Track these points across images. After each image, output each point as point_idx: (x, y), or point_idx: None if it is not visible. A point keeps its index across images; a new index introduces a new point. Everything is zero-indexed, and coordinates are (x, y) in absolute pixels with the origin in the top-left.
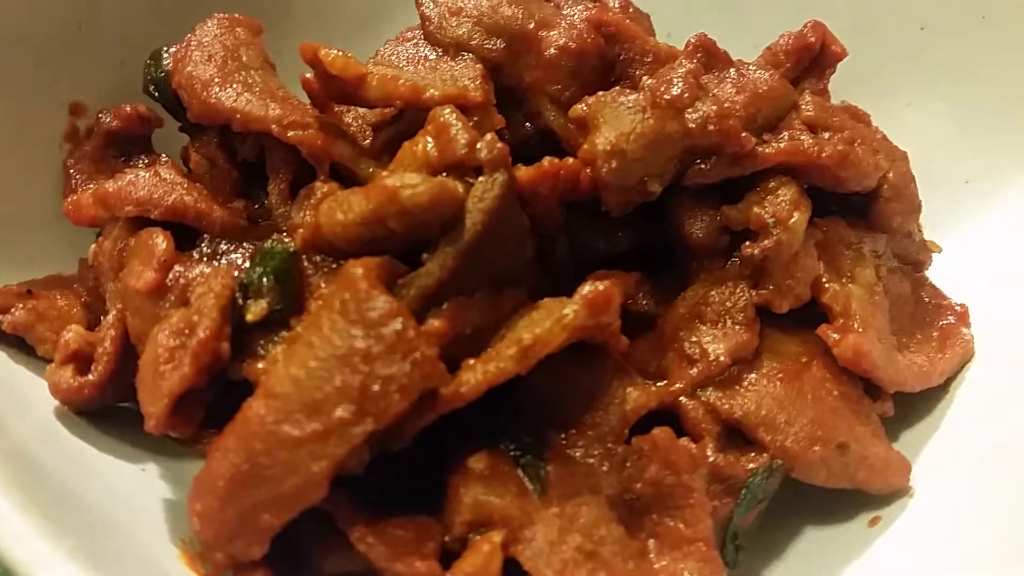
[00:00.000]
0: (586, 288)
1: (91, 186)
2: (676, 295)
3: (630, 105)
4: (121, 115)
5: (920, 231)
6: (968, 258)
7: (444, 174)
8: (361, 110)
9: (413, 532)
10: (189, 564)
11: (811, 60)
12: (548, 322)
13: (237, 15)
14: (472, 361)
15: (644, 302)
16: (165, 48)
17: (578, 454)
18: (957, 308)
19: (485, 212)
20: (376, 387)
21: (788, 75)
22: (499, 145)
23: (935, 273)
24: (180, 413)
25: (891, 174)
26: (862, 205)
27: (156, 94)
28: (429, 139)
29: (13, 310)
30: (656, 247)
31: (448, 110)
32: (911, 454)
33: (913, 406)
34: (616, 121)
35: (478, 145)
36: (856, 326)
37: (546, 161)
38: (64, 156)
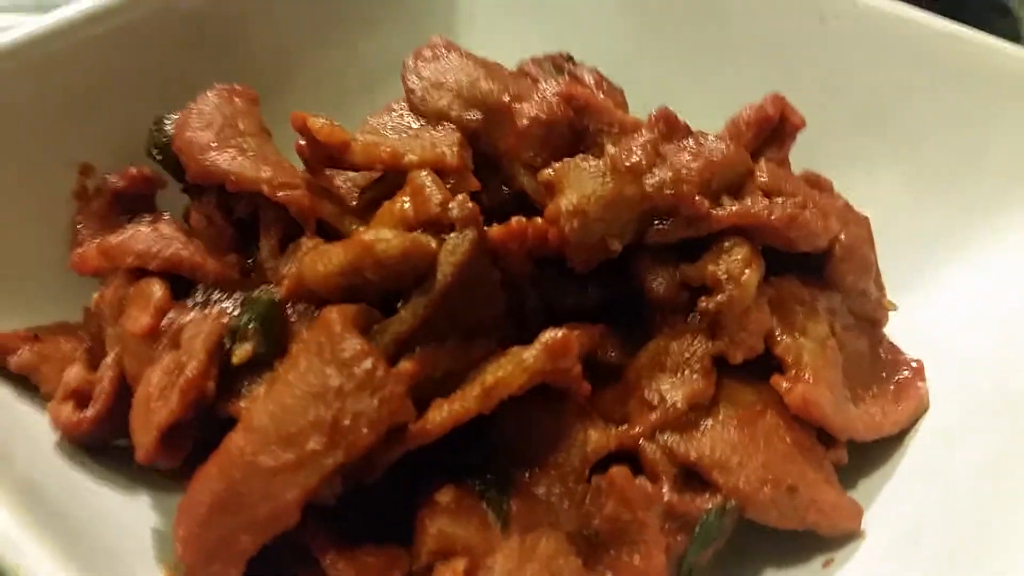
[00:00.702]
0: (547, 335)
1: (96, 240)
2: (641, 347)
3: (592, 170)
4: (127, 176)
5: (879, 290)
6: (928, 314)
7: (419, 231)
8: (351, 173)
9: (382, 559)
10: None
11: (771, 130)
12: (510, 365)
13: (236, 86)
14: (440, 401)
15: (611, 353)
16: (167, 115)
17: (540, 491)
18: (913, 364)
19: (455, 265)
20: (347, 421)
21: (749, 145)
22: (470, 205)
23: (898, 328)
24: (168, 445)
25: (843, 236)
26: (816, 265)
27: (159, 157)
28: (406, 199)
29: (19, 352)
30: (625, 302)
31: (424, 173)
32: (865, 500)
33: (869, 456)
34: (579, 184)
35: (450, 204)
36: (807, 376)
37: (514, 220)
38: (73, 213)
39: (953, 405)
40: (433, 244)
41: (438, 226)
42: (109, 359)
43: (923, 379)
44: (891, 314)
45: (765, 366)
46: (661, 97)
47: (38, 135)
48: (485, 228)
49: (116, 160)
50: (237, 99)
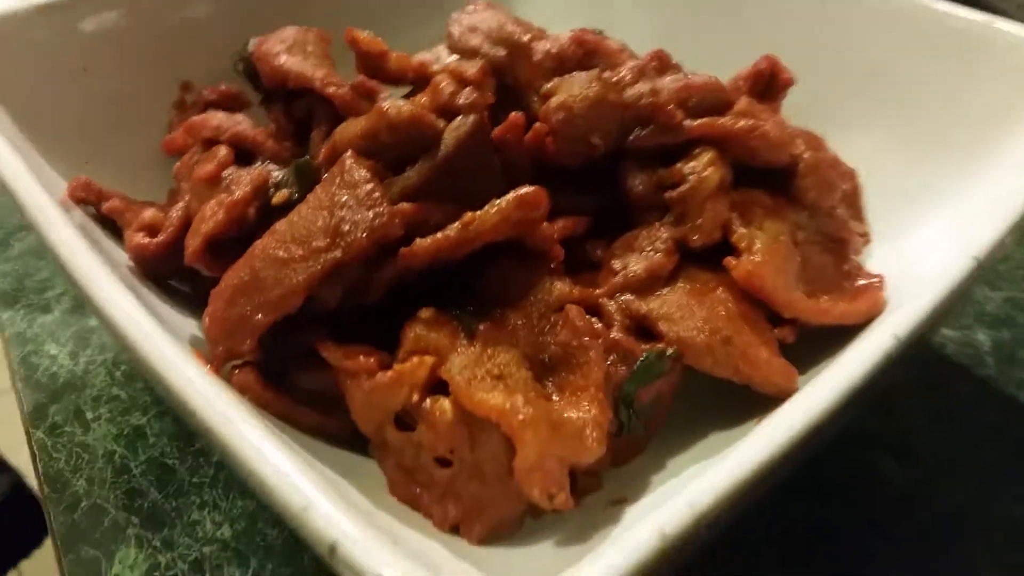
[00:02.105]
0: (521, 188)
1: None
2: None
3: (580, 79)
4: (217, 91)
5: (854, 219)
6: (904, 258)
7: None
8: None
9: (366, 349)
10: (199, 357)
11: (765, 85)
12: (487, 207)
13: (314, 28)
14: (428, 236)
15: (598, 251)
16: (252, 39)
17: (507, 321)
18: (875, 279)
19: (456, 139)
20: (346, 227)
21: (745, 94)
22: (475, 95)
23: (877, 268)
24: (211, 254)
25: (806, 155)
26: (785, 184)
27: (240, 67)
28: (425, 94)
29: (111, 199)
30: (620, 215)
31: (443, 75)
32: (808, 377)
33: (821, 345)
34: (568, 89)
35: (459, 94)
36: (756, 258)
37: (513, 114)
38: (170, 118)
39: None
40: (440, 124)
41: (448, 111)
42: (181, 203)
43: (883, 288)
44: (868, 257)
45: (723, 256)
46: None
47: (148, 55)
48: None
49: (213, 79)
50: (310, 34)
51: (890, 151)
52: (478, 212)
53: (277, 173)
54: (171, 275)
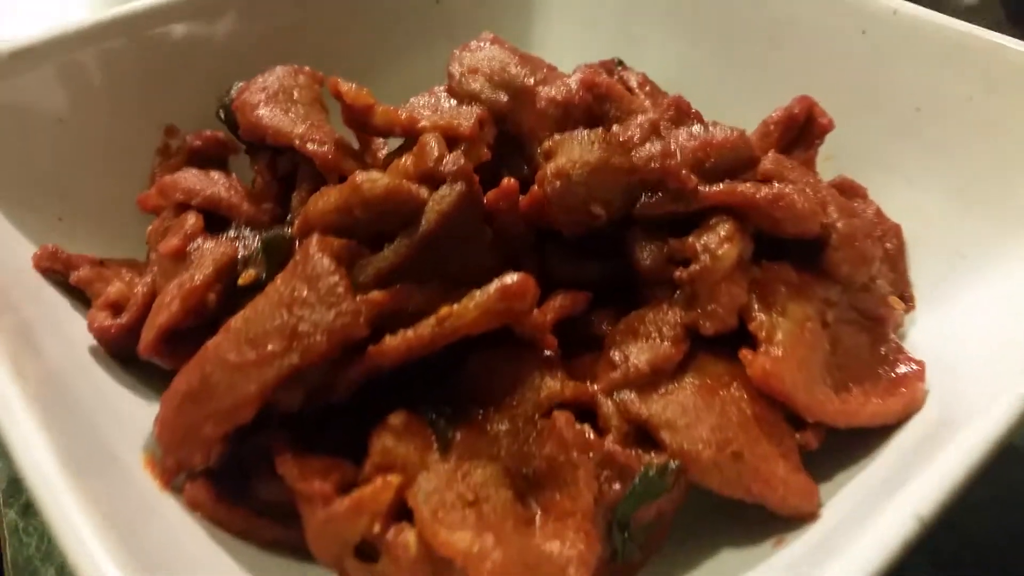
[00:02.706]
0: (505, 277)
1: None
2: None
3: (583, 140)
4: (203, 137)
5: (900, 291)
6: (950, 330)
7: (416, 183)
8: (394, 146)
9: (326, 464)
10: (149, 466)
11: (799, 131)
12: (467, 303)
13: (306, 67)
14: (401, 329)
15: (603, 326)
16: (236, 83)
17: (489, 427)
18: (914, 365)
19: (440, 213)
20: (304, 328)
21: (776, 143)
22: (462, 161)
23: (916, 340)
24: (168, 345)
25: (840, 224)
26: (815, 256)
27: (223, 117)
28: (411, 156)
29: (81, 268)
30: (624, 282)
31: (431, 135)
32: (836, 486)
33: (852, 447)
34: (568, 151)
35: (445, 159)
36: (775, 352)
37: (506, 180)
38: (153, 166)
39: (946, 413)
40: (424, 193)
41: (433, 179)
42: (147, 277)
43: (923, 380)
44: (911, 326)
45: (745, 345)
46: (707, 106)
47: (133, 99)
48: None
49: (199, 125)
50: (301, 76)
51: (939, 202)
52: (455, 306)
53: (249, 242)
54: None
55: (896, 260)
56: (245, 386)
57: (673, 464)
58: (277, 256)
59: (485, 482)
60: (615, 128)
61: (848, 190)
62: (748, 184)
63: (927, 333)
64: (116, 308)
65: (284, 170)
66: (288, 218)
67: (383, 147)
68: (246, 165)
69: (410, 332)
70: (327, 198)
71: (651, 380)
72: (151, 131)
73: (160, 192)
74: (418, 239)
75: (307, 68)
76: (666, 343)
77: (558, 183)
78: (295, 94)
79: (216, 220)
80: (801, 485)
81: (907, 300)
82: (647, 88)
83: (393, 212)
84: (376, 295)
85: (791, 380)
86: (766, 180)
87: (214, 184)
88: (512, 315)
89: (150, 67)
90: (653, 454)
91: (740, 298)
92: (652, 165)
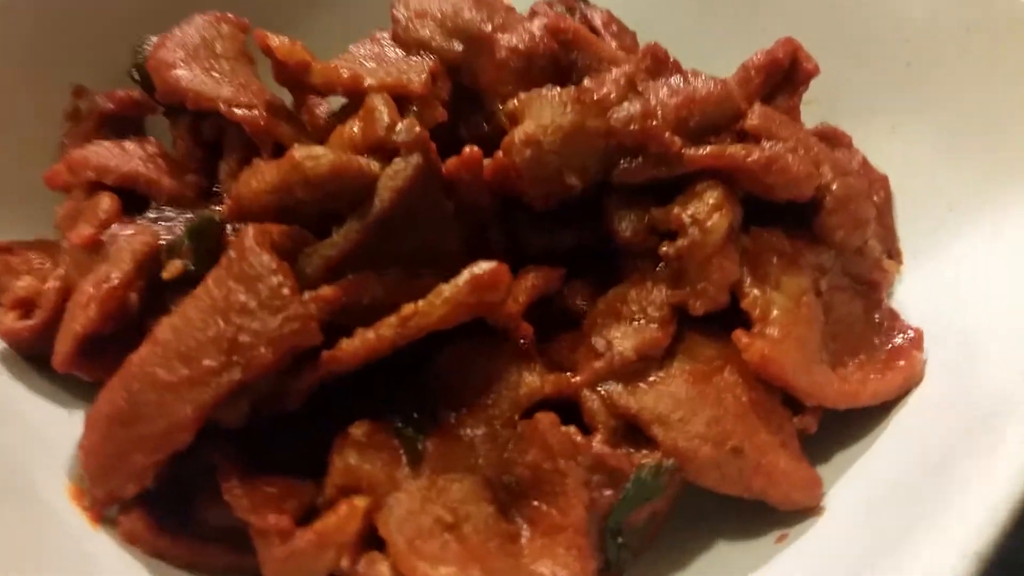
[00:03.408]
0: (475, 266)
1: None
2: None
3: (553, 99)
4: (115, 98)
5: (885, 251)
6: (939, 283)
7: (365, 155)
8: (334, 106)
9: (281, 490)
10: (75, 497)
11: (782, 76)
12: (432, 297)
13: (228, 14)
14: (360, 329)
15: (577, 301)
16: (149, 36)
17: (464, 433)
18: (911, 333)
19: (394, 191)
20: (245, 339)
21: (758, 91)
22: (417, 129)
23: (906, 295)
24: (87, 355)
25: (835, 186)
26: (807, 218)
27: (137, 77)
28: (357, 122)
29: None
30: (600, 248)
31: (378, 96)
32: (835, 472)
33: (850, 426)
34: (537, 114)
35: (397, 128)
36: (772, 332)
37: (467, 149)
38: (62, 134)
39: (946, 381)
40: (375, 167)
41: (383, 150)
42: (58, 270)
43: (920, 349)
44: (901, 279)
45: (735, 321)
46: (680, 50)
47: (34, 54)
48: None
49: (111, 84)
50: (224, 24)
51: (927, 151)
52: (420, 303)
53: (173, 225)
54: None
55: (883, 214)
56: (179, 408)
57: (667, 463)
58: (206, 243)
59: (464, 498)
60: (585, 83)
61: (832, 138)
62: (738, 146)
63: (915, 293)
64: (26, 306)
65: (209, 136)
66: (216, 191)
67: (321, 103)
68: (165, 125)
69: (370, 333)
70: (262, 176)
71: (638, 369)
72: (57, 93)
73: (69, 169)
74: (371, 221)
75: (230, 15)
76: (652, 326)
77: (528, 152)
78: (217, 47)
79: (135, 198)
80: (804, 477)
81: (894, 256)
82: (613, 28)
83: (340, 191)
84: (327, 291)
85: (791, 363)
86: (753, 137)
87: (130, 158)
88: (485, 308)
89: (50, 17)
90: (645, 452)
91: (733, 274)
92: (631, 128)
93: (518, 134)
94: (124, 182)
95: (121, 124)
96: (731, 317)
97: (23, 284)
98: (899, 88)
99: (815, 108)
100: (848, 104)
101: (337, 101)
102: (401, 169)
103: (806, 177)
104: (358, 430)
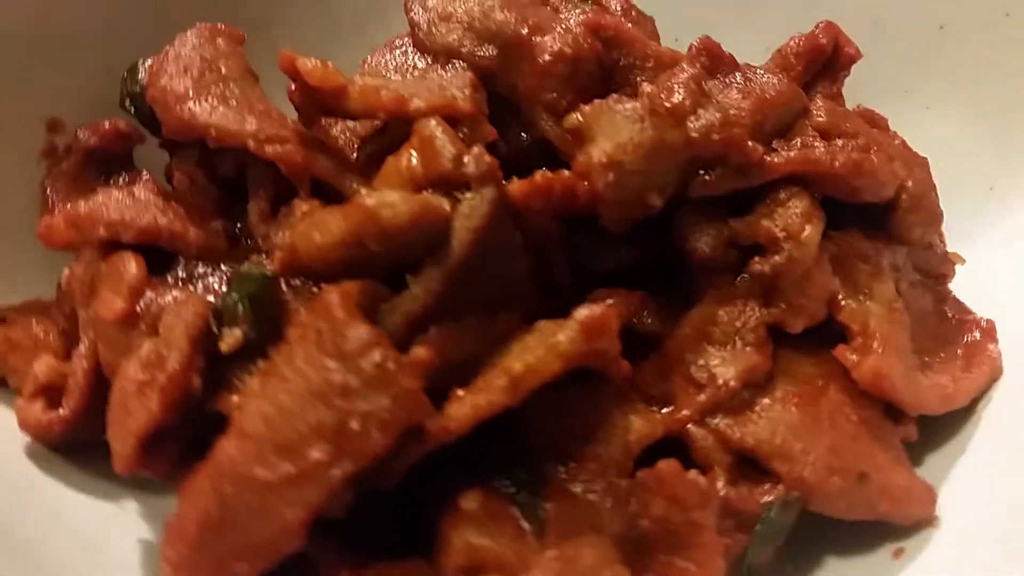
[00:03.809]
0: (582, 312)
1: (67, 206)
2: (683, 314)
3: (627, 114)
4: (99, 131)
5: (942, 242)
6: (993, 268)
7: (430, 190)
8: (351, 123)
9: None
10: None
11: (823, 63)
12: (541, 350)
13: (220, 25)
14: (461, 392)
15: (649, 321)
16: (142, 61)
17: (579, 489)
18: (983, 324)
19: (473, 231)
20: (354, 425)
21: (799, 79)
22: (487, 159)
23: (958, 285)
24: (151, 452)
25: (909, 183)
26: (879, 216)
27: (132, 109)
28: (413, 153)
29: None
30: (661, 261)
31: (433, 122)
32: (936, 479)
33: (937, 428)
34: (612, 131)
35: (465, 159)
36: (876, 347)
37: (539, 174)
38: (42, 174)
39: (1017, 370)
40: (446, 206)
41: (451, 184)
42: (82, 347)
43: (995, 341)
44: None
45: (821, 332)
46: (696, 29)
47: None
48: (504, 184)
49: (89, 114)
50: (220, 40)
51: (964, 131)
52: (528, 359)
53: (214, 283)
54: (89, 438)
55: None
56: (286, 510)
57: (792, 496)
58: (266, 308)
59: (598, 564)
60: (647, 89)
61: (871, 122)
62: (821, 150)
63: (959, 278)
64: (51, 393)
65: (227, 172)
66: (238, 233)
67: (335, 124)
68: (155, 154)
69: (479, 399)
70: (326, 228)
71: (743, 398)
72: (29, 127)
73: (73, 226)
74: (452, 267)
75: (221, 26)
76: (750, 349)
77: (611, 176)
78: (222, 68)
79: (152, 251)
80: (921, 491)
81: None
82: (632, 15)
83: (417, 239)
84: (420, 353)
85: (900, 379)
86: (822, 135)
87: (146, 209)
88: (597, 355)
89: (13, 44)
90: (767, 486)
91: (829, 287)
92: (713, 138)
93: (596, 155)
94: (144, 238)
95: (107, 160)
96: (818, 327)
97: (43, 368)
98: (931, 66)
99: (846, 90)
100: (879, 85)
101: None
102: (477, 205)
103: (891, 178)
104: (471, 503)
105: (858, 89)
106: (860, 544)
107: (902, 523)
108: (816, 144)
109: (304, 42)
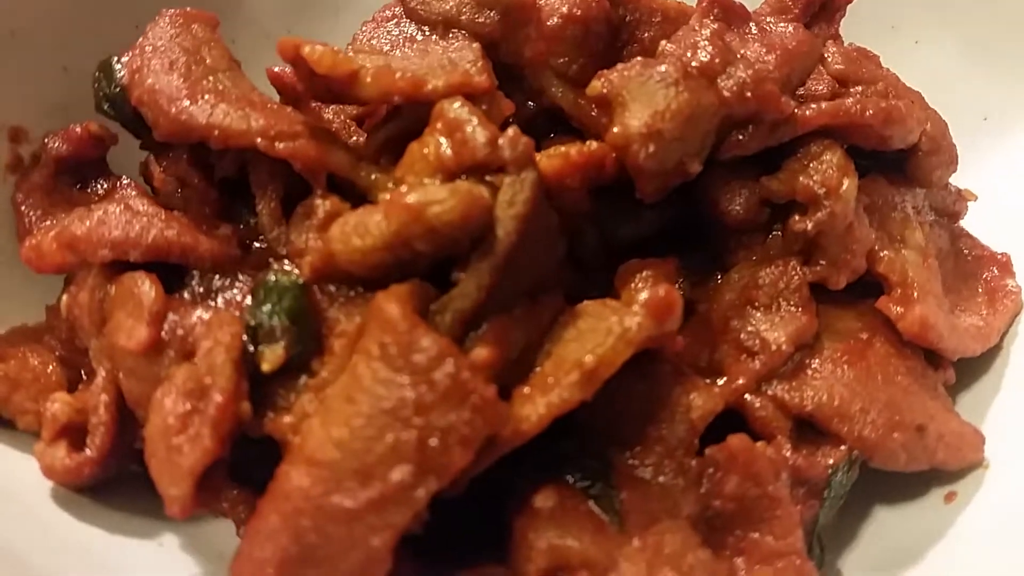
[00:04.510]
0: (645, 294)
1: (48, 222)
2: (711, 276)
3: (659, 78)
4: (71, 138)
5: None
6: (994, 201)
7: (463, 177)
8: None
9: None
10: None
11: (820, 4)
12: (609, 339)
13: (189, 9)
14: (527, 390)
15: (680, 287)
16: (116, 58)
17: (649, 474)
18: (999, 257)
19: (518, 218)
20: (435, 441)
21: (798, 21)
22: (524, 140)
23: (965, 220)
24: (206, 488)
25: (928, 125)
26: (897, 160)
27: (111, 112)
28: (441, 139)
29: None
30: (685, 224)
31: (458, 104)
32: (975, 420)
33: (969, 367)
34: (646, 98)
35: (500, 142)
36: (916, 296)
37: (573, 150)
38: (11, 191)
39: None
40: (486, 194)
41: (485, 169)
42: (99, 380)
43: (1012, 275)
44: None
45: (856, 283)
46: None
47: None
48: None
49: (50, 119)
50: (195, 25)
51: (956, 63)
52: (598, 351)
53: (237, 294)
54: (117, 473)
55: None
56: (373, 536)
57: (855, 455)
58: (307, 321)
59: (681, 550)
60: (671, 48)
61: (862, 59)
62: (849, 100)
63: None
64: (71, 432)
65: (227, 172)
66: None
67: (325, 106)
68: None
69: (552, 397)
70: (366, 230)
71: (796, 361)
72: None
73: (69, 248)
74: (501, 258)
75: (192, 11)
76: (797, 311)
77: (652, 146)
78: (207, 58)
79: (162, 267)
80: (972, 436)
81: None
82: None
83: (464, 233)
84: (482, 354)
85: (942, 326)
86: (841, 83)
87: (151, 223)
88: (664, 339)
89: None
90: (828, 448)
91: (869, 239)
92: (746, 96)
93: (636, 126)
94: (153, 255)
95: (81, 167)
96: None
97: (60, 408)
98: (919, 2)
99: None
100: (867, 21)
101: None
102: (518, 191)
103: (918, 124)
104: (547, 501)
105: (847, 27)
106: (910, 491)
107: (956, 468)
108: (839, 95)
109: (272, 19)
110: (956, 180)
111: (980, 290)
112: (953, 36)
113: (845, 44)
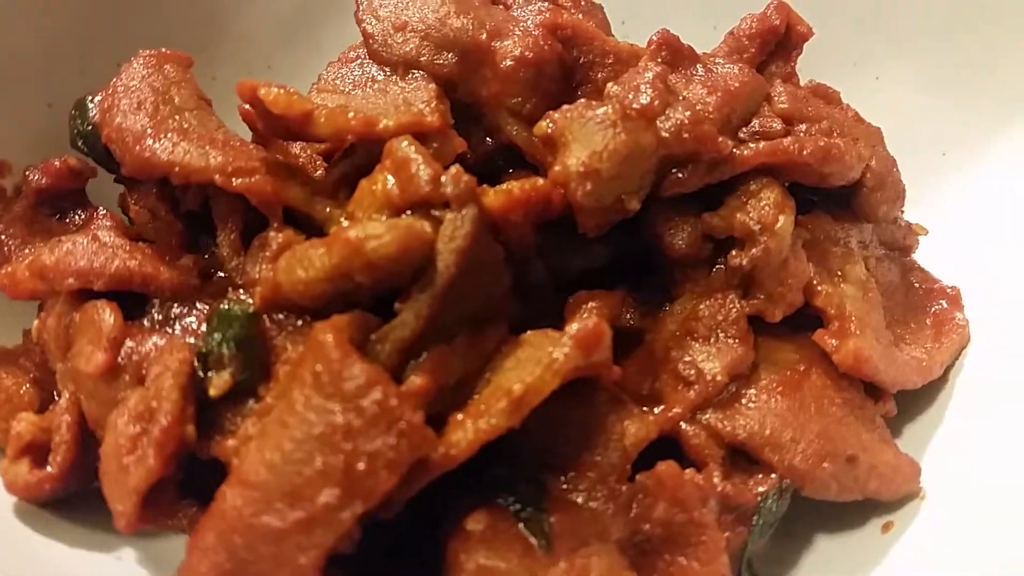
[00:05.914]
0: (574, 326)
1: (27, 251)
2: (660, 307)
3: (599, 119)
4: (50, 171)
5: (902, 214)
6: (952, 235)
7: (408, 212)
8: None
9: None
10: None
11: (776, 43)
12: (538, 368)
13: (164, 50)
14: (460, 416)
15: (628, 317)
16: (90, 97)
17: (581, 499)
18: (949, 291)
19: (457, 252)
20: (361, 465)
21: (753, 60)
22: (465, 178)
23: (921, 253)
24: (151, 505)
25: (873, 162)
26: (843, 195)
27: (84, 149)
28: (389, 176)
29: None
30: (633, 257)
31: (405, 142)
32: (916, 451)
33: (914, 399)
34: (586, 138)
35: (442, 179)
36: (853, 329)
37: (516, 187)
38: None
39: (994, 336)
40: (428, 228)
41: (429, 204)
42: (63, 401)
43: (960, 308)
44: None
45: (796, 317)
46: (642, 10)
47: None
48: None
49: (33, 153)
50: (167, 66)
51: (916, 99)
52: (527, 379)
53: (193, 323)
54: (78, 490)
55: None
56: (300, 555)
57: (786, 484)
58: (253, 349)
59: (608, 573)
60: (615, 90)
61: (823, 96)
62: (788, 139)
63: (920, 245)
64: (34, 450)
65: (188, 206)
66: (208, 267)
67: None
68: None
69: (480, 423)
70: (310, 263)
71: (730, 390)
72: None
73: (39, 276)
74: (439, 291)
75: (167, 52)
76: (733, 342)
77: (589, 184)
78: (175, 98)
79: (125, 296)
80: (907, 467)
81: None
82: (583, 4)
83: (404, 266)
84: (416, 383)
85: (878, 358)
86: (785, 122)
87: (114, 253)
88: (593, 368)
89: None
90: (759, 477)
91: (806, 274)
92: (684, 136)
93: (573, 164)
94: (115, 284)
95: (60, 198)
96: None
97: (24, 427)
98: (879, 37)
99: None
100: (829, 58)
101: None
102: (459, 227)
103: (858, 161)
104: (478, 524)
105: (810, 64)
106: (848, 521)
107: (890, 499)
108: (786, 137)
109: (248, 56)
110: (915, 214)
111: (928, 323)
112: (913, 72)
113: (804, 81)
